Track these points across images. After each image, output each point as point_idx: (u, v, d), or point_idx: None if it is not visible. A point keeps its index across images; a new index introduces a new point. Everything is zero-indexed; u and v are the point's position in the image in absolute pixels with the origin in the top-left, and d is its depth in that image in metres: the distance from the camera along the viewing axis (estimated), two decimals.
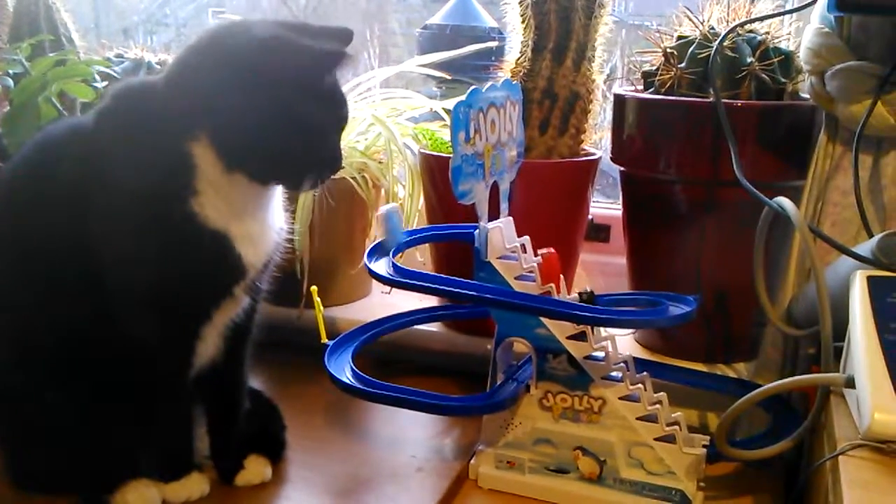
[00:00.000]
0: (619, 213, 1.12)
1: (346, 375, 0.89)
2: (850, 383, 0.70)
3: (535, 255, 0.89)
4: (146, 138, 0.74)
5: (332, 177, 0.81)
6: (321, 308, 0.94)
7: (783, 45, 0.98)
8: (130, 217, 0.74)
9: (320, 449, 0.96)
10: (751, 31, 0.98)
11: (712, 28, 0.98)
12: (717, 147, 0.93)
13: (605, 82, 1.10)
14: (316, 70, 0.74)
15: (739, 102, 0.94)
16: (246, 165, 0.74)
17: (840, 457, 0.64)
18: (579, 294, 0.86)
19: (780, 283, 0.93)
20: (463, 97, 0.81)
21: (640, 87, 1.05)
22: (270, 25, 0.74)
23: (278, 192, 0.82)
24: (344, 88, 0.79)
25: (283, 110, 0.72)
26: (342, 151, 0.80)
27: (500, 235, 0.86)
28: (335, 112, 0.77)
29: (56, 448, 0.80)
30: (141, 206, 0.73)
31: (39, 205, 0.78)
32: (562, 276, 0.89)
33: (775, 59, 0.96)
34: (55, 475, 0.82)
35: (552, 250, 0.88)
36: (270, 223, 0.81)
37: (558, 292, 0.86)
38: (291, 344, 1.07)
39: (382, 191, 1.18)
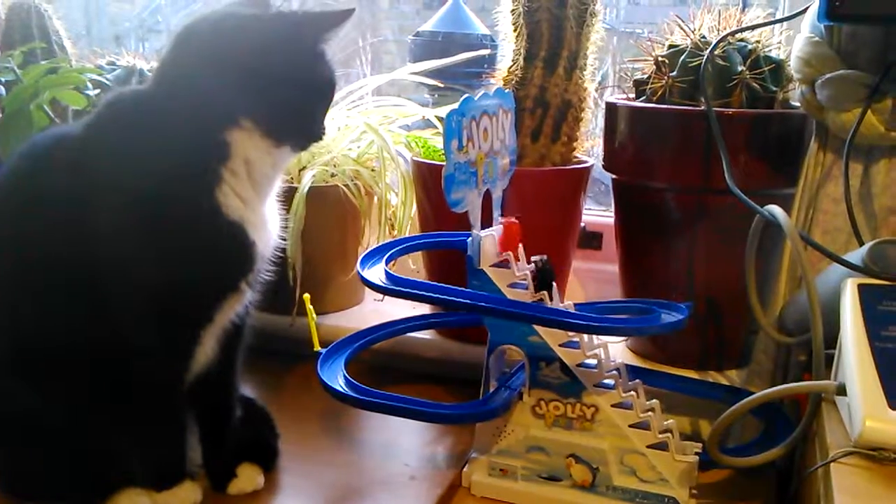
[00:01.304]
0: (612, 220, 1.12)
1: (339, 383, 0.89)
2: (842, 391, 0.70)
3: (528, 262, 0.89)
4: (162, 139, 0.75)
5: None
6: (314, 316, 0.93)
7: (774, 54, 0.99)
8: (149, 217, 0.74)
9: (313, 457, 0.95)
10: (742, 40, 0.99)
11: (703, 37, 0.99)
12: (708, 155, 0.93)
13: (596, 90, 1.10)
14: (312, 39, 0.79)
15: (731, 111, 0.94)
16: (292, 135, 0.80)
17: (832, 464, 0.64)
18: (534, 262, 0.86)
19: (772, 291, 0.94)
20: (456, 105, 0.81)
21: (632, 96, 1.05)
22: (253, 7, 0.79)
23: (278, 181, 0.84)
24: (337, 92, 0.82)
25: (307, 73, 0.78)
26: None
27: (493, 243, 0.86)
28: (332, 73, 0.81)
29: (49, 455, 0.80)
30: (163, 205, 0.74)
31: (32, 214, 0.78)
32: (557, 285, 0.89)
33: (766, 68, 0.96)
34: (47, 482, 0.81)
35: (514, 220, 0.89)
36: (273, 211, 0.84)
37: (517, 260, 0.86)
38: (284, 352, 1.07)
39: (375, 198, 1.18)
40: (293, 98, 0.78)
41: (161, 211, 0.74)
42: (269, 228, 0.82)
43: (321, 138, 0.84)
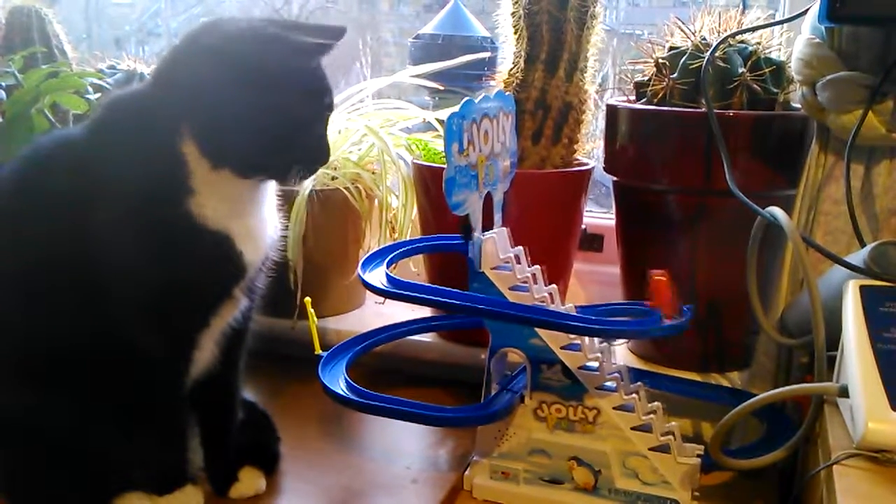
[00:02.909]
0: (613, 222, 1.12)
1: (341, 387, 0.89)
2: (844, 392, 0.70)
3: (530, 265, 0.89)
4: (140, 143, 0.74)
5: (324, 169, 0.79)
6: (315, 319, 0.93)
7: (774, 56, 0.99)
8: (130, 223, 0.74)
9: (315, 460, 0.95)
10: (742, 42, 0.99)
11: (704, 39, 0.99)
12: (709, 157, 0.93)
13: (596, 92, 1.10)
14: (294, 59, 0.73)
15: (731, 112, 0.94)
16: (229, 161, 0.74)
17: (834, 466, 0.64)
18: (460, 226, 0.85)
19: (773, 293, 0.93)
20: (456, 108, 0.81)
21: (632, 98, 1.05)
22: (251, 20, 0.74)
23: (272, 189, 0.82)
24: (337, 97, 0.79)
25: (260, 102, 0.72)
26: (329, 146, 0.78)
27: (494, 246, 0.86)
28: (318, 101, 0.76)
29: (50, 459, 0.80)
30: (140, 212, 0.73)
31: (32, 218, 0.78)
32: (558, 287, 0.89)
33: (767, 70, 0.96)
34: (49, 486, 0.81)
35: (661, 275, 0.84)
36: (267, 219, 0.81)
37: (669, 315, 0.82)
38: (285, 355, 1.07)
39: (376, 201, 1.18)
40: (231, 121, 0.72)
41: (148, 216, 0.74)
42: (262, 237, 0.80)
43: (277, 173, 0.77)
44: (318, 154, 0.78)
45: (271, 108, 0.72)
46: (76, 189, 0.75)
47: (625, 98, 1.07)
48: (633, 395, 0.83)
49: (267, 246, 0.81)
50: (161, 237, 0.74)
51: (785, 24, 0.99)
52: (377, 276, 0.88)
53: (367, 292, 1.14)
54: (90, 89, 1.13)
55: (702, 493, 0.84)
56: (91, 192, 0.74)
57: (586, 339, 0.84)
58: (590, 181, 1.10)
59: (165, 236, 0.74)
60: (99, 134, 0.77)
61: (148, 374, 0.79)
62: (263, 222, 0.80)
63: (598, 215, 1.33)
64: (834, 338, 0.75)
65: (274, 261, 0.84)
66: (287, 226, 0.93)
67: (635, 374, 0.93)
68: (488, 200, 0.88)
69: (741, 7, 1.04)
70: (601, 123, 1.09)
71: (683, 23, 1.01)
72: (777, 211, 0.84)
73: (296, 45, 0.73)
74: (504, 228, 0.90)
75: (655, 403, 0.83)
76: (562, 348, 0.83)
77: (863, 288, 0.74)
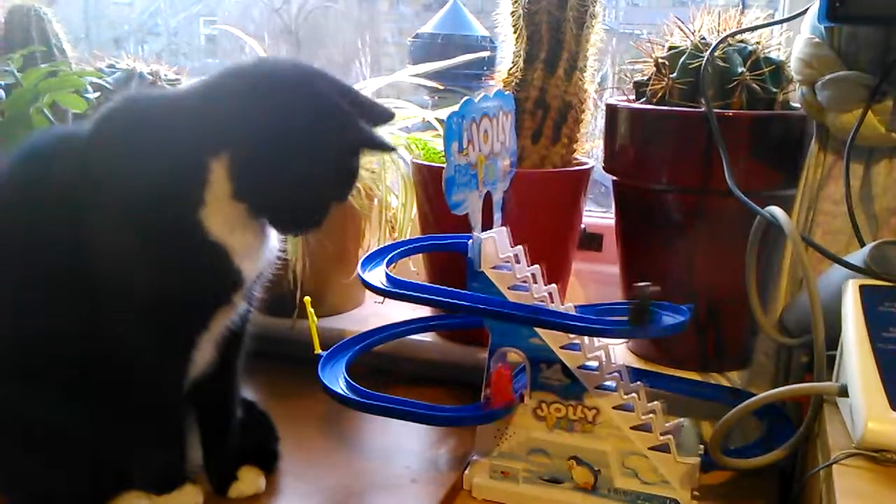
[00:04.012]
0: (612, 222, 1.12)
1: (340, 386, 0.89)
2: (844, 392, 0.70)
3: (529, 264, 0.89)
4: (160, 147, 0.75)
5: None
6: (314, 318, 0.93)
7: (774, 55, 0.99)
8: (134, 221, 0.74)
9: (314, 460, 0.95)
10: (741, 42, 0.99)
11: (703, 38, 0.99)
12: (708, 156, 0.93)
13: (596, 91, 1.10)
14: (347, 144, 0.76)
15: (731, 112, 0.94)
16: (250, 198, 0.75)
17: (834, 466, 0.64)
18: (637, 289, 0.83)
19: (773, 292, 0.93)
20: (456, 108, 0.81)
21: (632, 97, 1.05)
22: (325, 81, 0.76)
23: None
24: None
25: (302, 166, 0.74)
26: (324, 218, 0.80)
27: (494, 245, 0.86)
28: (344, 187, 0.79)
29: (48, 459, 0.80)
30: (147, 211, 0.74)
31: (30, 213, 0.77)
32: (557, 287, 0.89)
33: (766, 69, 0.96)
34: (47, 486, 0.81)
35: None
36: (266, 238, 0.81)
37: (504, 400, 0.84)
38: (285, 355, 1.07)
39: (375, 201, 1.18)
40: (268, 167, 0.73)
41: (150, 220, 0.74)
42: (260, 254, 0.80)
43: (280, 224, 0.79)
44: (315, 224, 0.80)
45: (306, 175, 0.74)
46: (77, 185, 0.75)
47: (624, 98, 1.07)
48: (633, 394, 0.83)
49: (264, 263, 0.82)
50: (164, 241, 0.74)
51: (784, 24, 0.99)
52: (377, 276, 0.88)
53: (367, 292, 1.14)
54: (89, 88, 1.13)
55: (701, 492, 0.84)
56: (93, 189, 0.75)
57: (586, 338, 0.84)
58: (589, 181, 1.10)
59: (169, 240, 0.74)
60: (110, 131, 0.77)
61: (147, 375, 0.79)
62: (263, 240, 0.81)
63: (598, 215, 1.33)
64: (833, 337, 0.75)
65: (272, 268, 0.85)
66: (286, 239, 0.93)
67: (635, 374, 0.93)
68: (488, 200, 0.88)
69: (740, 7, 1.04)
70: (600, 123, 1.09)
71: (683, 22, 1.01)
72: (776, 210, 0.84)
73: (356, 133, 0.75)
74: (504, 228, 0.90)
75: (655, 403, 0.83)
76: (561, 348, 0.83)
77: (862, 287, 0.74)
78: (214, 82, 0.77)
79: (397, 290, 0.85)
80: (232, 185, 0.74)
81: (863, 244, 0.82)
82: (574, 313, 0.85)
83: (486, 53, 1.31)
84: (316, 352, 0.93)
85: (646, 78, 1.01)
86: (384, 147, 0.77)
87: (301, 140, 0.73)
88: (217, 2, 1.99)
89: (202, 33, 2.00)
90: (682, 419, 0.85)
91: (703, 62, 0.94)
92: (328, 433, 1.02)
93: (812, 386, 0.77)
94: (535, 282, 0.87)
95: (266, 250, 0.81)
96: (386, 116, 0.80)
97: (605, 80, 1.31)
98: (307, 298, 0.95)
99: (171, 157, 0.74)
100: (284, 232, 0.84)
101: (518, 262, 0.88)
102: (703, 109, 0.93)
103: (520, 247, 0.89)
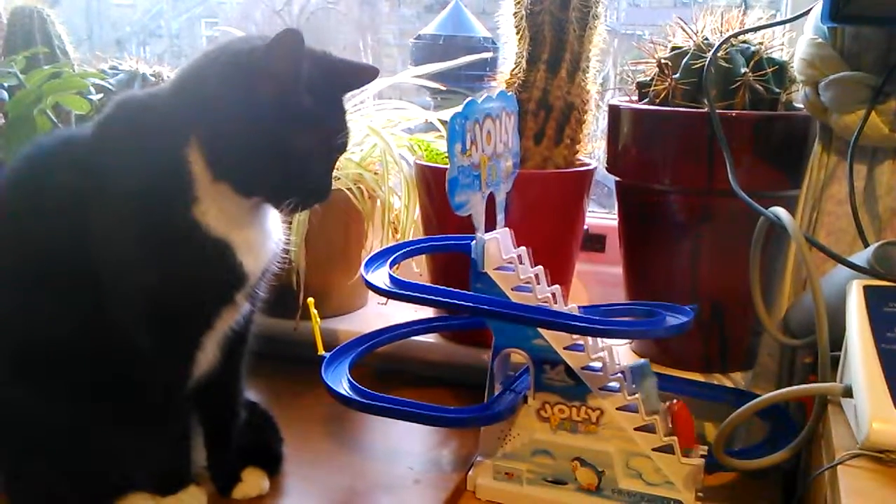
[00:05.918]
0: (615, 223, 1.12)
1: (343, 387, 0.89)
2: (848, 393, 0.70)
3: (533, 265, 0.89)
4: (149, 146, 0.75)
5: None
6: (318, 320, 0.93)
7: (777, 56, 0.99)
8: (133, 224, 0.74)
9: (317, 461, 0.95)
10: (744, 42, 0.99)
11: (706, 39, 0.99)
12: (712, 157, 0.93)
13: (598, 92, 1.10)
14: (309, 93, 0.73)
15: (734, 113, 0.94)
16: (228, 176, 0.74)
17: (839, 466, 0.64)
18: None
19: (777, 293, 0.93)
20: (459, 109, 0.81)
21: (635, 98, 1.05)
22: (285, 48, 0.73)
23: None
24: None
25: (266, 127, 0.72)
26: (330, 185, 0.78)
27: (497, 246, 0.86)
28: (327, 138, 0.76)
29: (52, 460, 0.80)
30: (144, 213, 0.74)
31: (34, 216, 0.78)
32: (561, 287, 0.89)
33: (769, 70, 0.96)
34: (51, 487, 0.81)
35: (679, 403, 0.85)
36: (269, 232, 0.81)
37: (688, 446, 0.82)
38: (288, 356, 1.07)
39: (378, 202, 1.18)
40: (237, 139, 0.72)
41: (151, 222, 0.74)
42: (263, 249, 0.80)
43: (272, 199, 0.77)
44: (314, 191, 0.77)
45: (276, 135, 0.72)
46: (80, 187, 0.75)
47: (627, 98, 1.07)
48: (636, 395, 0.83)
49: (268, 258, 0.81)
50: (164, 240, 0.74)
51: (788, 24, 0.99)
52: (380, 277, 0.88)
53: (370, 293, 1.14)
54: (92, 90, 1.13)
55: (705, 493, 0.84)
56: (95, 191, 0.74)
57: (589, 339, 0.84)
58: (592, 181, 1.10)
59: (169, 240, 0.74)
60: (107, 133, 0.77)
61: (150, 375, 0.79)
62: (265, 234, 0.80)
63: (601, 216, 1.33)
64: (837, 338, 0.75)
65: (277, 262, 0.84)
66: (290, 231, 0.93)
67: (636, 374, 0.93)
68: (491, 201, 0.88)
69: (743, 7, 1.04)
70: (603, 124, 1.09)
71: (685, 23, 1.01)
72: (780, 211, 0.83)
73: (316, 79, 0.73)
74: (507, 229, 0.90)
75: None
76: (565, 349, 0.83)
77: (866, 288, 0.74)
78: (180, 73, 0.77)
79: (400, 291, 0.85)
80: (210, 169, 0.73)
81: (867, 244, 0.82)
82: (578, 314, 0.85)
83: (488, 54, 1.32)
84: (319, 353, 0.93)
85: (648, 78, 1.01)
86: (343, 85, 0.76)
87: (260, 101, 0.71)
88: (219, 4, 1.99)
89: (204, 35, 2.00)
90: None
91: (706, 63, 0.94)
92: (332, 434, 1.02)
93: (816, 387, 0.76)
94: (539, 283, 0.87)
95: (269, 244, 0.81)
96: (370, 73, 0.79)
97: (608, 80, 1.31)
98: (310, 300, 0.95)
99: (157, 156, 0.74)
100: (287, 209, 0.78)
101: (521, 262, 0.88)
102: (706, 110, 0.93)
103: (523, 248, 0.89)
